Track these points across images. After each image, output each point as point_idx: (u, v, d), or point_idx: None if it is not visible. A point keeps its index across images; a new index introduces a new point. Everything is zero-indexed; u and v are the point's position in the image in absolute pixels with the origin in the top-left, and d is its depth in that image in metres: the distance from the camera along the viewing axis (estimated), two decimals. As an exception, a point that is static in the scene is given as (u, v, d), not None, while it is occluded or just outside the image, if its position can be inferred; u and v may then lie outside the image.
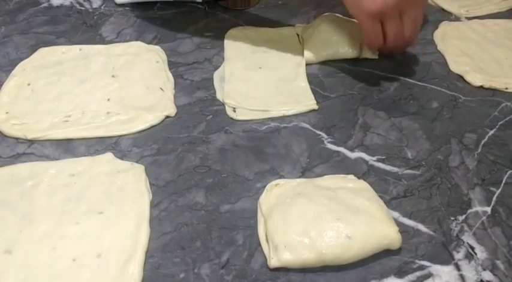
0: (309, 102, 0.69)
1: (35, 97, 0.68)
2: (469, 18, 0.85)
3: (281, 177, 0.60)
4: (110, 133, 0.64)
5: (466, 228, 0.55)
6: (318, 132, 0.65)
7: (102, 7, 0.86)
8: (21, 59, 0.74)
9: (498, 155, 0.63)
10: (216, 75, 0.73)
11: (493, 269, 0.52)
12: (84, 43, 0.78)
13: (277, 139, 0.64)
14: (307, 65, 0.74)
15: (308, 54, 0.75)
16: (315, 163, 0.62)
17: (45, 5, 0.86)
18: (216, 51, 0.77)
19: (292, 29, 0.80)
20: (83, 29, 0.81)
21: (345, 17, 0.77)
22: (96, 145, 0.63)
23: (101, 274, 0.50)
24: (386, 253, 0.52)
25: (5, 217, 0.54)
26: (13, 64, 0.73)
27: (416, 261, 0.52)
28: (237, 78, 0.72)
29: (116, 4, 0.85)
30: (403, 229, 0.54)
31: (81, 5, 0.87)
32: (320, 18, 0.78)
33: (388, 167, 0.61)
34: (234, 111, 0.68)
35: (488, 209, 0.57)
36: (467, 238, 0.54)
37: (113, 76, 0.72)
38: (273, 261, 0.50)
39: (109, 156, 0.61)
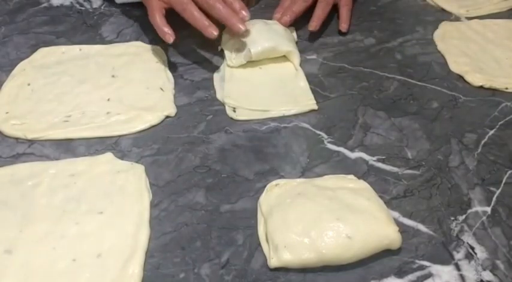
0: (308, 102, 0.69)
1: (35, 97, 0.68)
2: (469, 18, 0.85)
3: (281, 177, 0.60)
4: (110, 133, 0.64)
5: (466, 228, 0.55)
6: (318, 132, 0.65)
7: (102, 7, 0.86)
8: (21, 59, 0.74)
9: (498, 155, 0.63)
10: (216, 75, 0.73)
11: (493, 269, 0.52)
12: (84, 43, 0.78)
13: (277, 139, 0.64)
14: (307, 64, 0.74)
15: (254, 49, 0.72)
16: (315, 163, 0.62)
17: (45, 5, 0.86)
18: (216, 51, 0.77)
19: (292, 29, 0.80)
20: (83, 29, 0.81)
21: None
22: (96, 145, 0.63)
23: (101, 274, 0.50)
24: (386, 253, 0.52)
25: (5, 217, 0.54)
26: (13, 64, 0.73)
27: (416, 261, 0.52)
28: (237, 78, 0.72)
29: (116, 4, 0.85)
30: (403, 229, 0.54)
31: (81, 5, 0.87)
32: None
33: (388, 167, 0.61)
34: (234, 111, 0.68)
35: (488, 209, 0.57)
36: (467, 238, 0.54)
37: (113, 76, 0.72)
38: (273, 261, 0.50)
39: (109, 156, 0.61)
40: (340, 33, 0.81)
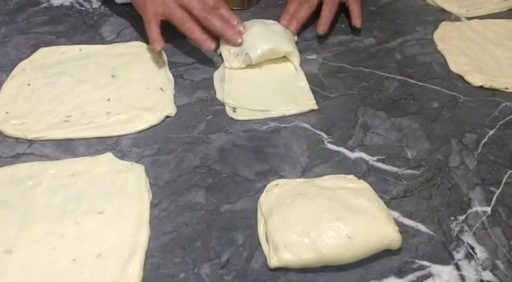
0: (308, 102, 0.69)
1: (35, 97, 0.68)
2: (469, 18, 0.85)
3: (281, 177, 0.60)
4: (110, 133, 0.64)
5: (466, 228, 0.55)
6: (318, 132, 0.65)
7: (102, 7, 0.86)
8: (21, 59, 0.74)
9: (498, 155, 0.63)
10: (216, 75, 0.73)
11: (493, 269, 0.52)
12: (84, 43, 0.78)
13: (277, 139, 0.64)
14: (307, 65, 0.74)
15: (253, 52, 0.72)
16: (315, 163, 0.62)
17: (45, 5, 0.86)
18: (216, 51, 0.77)
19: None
20: (83, 29, 0.81)
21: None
22: (96, 145, 0.63)
23: (101, 274, 0.50)
24: (386, 253, 0.52)
25: (5, 217, 0.54)
26: (13, 64, 0.73)
27: (416, 261, 0.52)
28: (237, 78, 0.72)
29: (116, 4, 0.85)
30: (403, 229, 0.54)
31: (81, 5, 0.87)
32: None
33: (388, 167, 0.61)
34: (234, 111, 0.68)
35: (488, 209, 0.57)
36: (467, 238, 0.54)
37: (113, 76, 0.72)
38: (273, 261, 0.50)
39: (109, 156, 0.61)
40: (354, 29, 0.81)
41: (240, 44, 0.73)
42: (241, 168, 0.61)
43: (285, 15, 0.79)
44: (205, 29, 0.72)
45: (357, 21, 0.79)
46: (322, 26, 0.77)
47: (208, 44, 0.72)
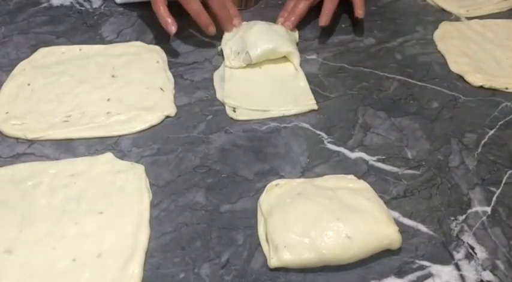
0: (308, 102, 0.69)
1: (35, 97, 0.68)
2: (469, 18, 0.85)
3: (281, 177, 0.60)
4: (110, 133, 0.64)
5: (466, 228, 0.55)
6: (318, 132, 0.65)
7: (102, 7, 0.86)
8: (21, 59, 0.74)
9: (498, 155, 0.63)
10: (216, 75, 0.73)
11: (493, 269, 0.52)
12: (84, 43, 0.78)
13: (277, 139, 0.64)
14: (307, 64, 0.74)
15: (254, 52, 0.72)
16: (315, 163, 0.62)
17: (45, 5, 0.86)
18: (216, 51, 0.77)
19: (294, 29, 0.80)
20: (83, 29, 0.81)
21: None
22: (96, 145, 0.63)
23: (101, 274, 0.50)
24: (386, 253, 0.52)
25: (5, 217, 0.54)
26: (13, 64, 0.73)
27: (416, 261, 0.52)
28: (237, 78, 0.72)
29: (116, 4, 0.85)
30: (403, 229, 0.54)
31: (81, 5, 0.87)
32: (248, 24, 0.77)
33: (388, 167, 0.61)
34: (234, 111, 0.68)
35: (488, 209, 0.57)
36: (467, 238, 0.54)
37: (113, 76, 0.72)
38: (273, 261, 0.50)
39: (109, 156, 0.61)
40: (356, 21, 0.80)
41: (229, 30, 0.77)
42: (241, 168, 0.61)
43: (283, 12, 0.79)
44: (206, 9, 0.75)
45: (359, 12, 0.77)
46: (324, 17, 0.76)
47: (212, 28, 0.74)
